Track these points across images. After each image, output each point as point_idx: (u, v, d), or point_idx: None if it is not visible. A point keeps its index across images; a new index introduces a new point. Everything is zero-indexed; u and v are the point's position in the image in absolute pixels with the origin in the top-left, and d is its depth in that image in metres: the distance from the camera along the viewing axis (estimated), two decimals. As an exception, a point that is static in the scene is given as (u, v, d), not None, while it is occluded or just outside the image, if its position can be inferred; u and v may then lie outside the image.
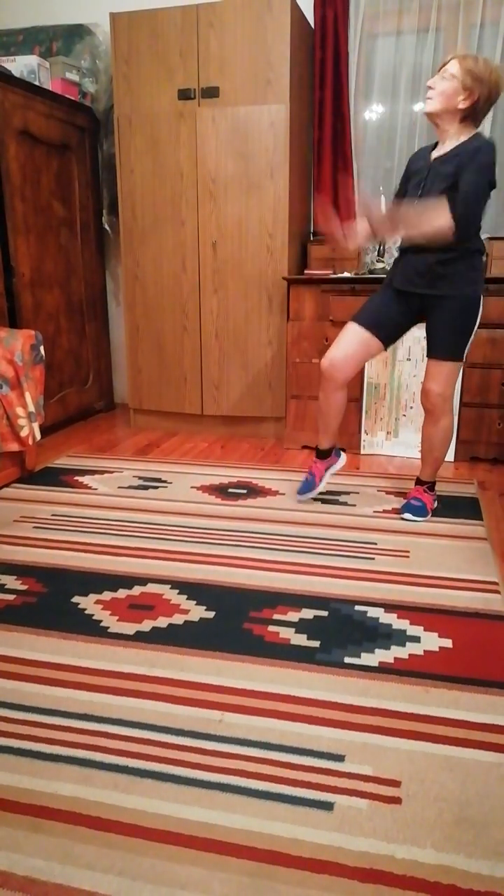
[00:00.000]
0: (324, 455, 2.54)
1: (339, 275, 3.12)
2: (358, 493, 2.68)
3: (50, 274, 3.43)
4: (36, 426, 2.74)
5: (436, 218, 2.03)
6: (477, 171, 2.01)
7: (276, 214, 3.17)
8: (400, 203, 2.20)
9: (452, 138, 2.11)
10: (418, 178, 2.19)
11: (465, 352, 2.25)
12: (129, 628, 1.72)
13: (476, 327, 2.24)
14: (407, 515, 2.42)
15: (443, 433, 2.34)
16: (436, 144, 2.20)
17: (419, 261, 2.18)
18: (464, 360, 2.28)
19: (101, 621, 1.75)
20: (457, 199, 2.03)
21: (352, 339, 2.30)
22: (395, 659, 1.59)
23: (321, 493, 2.64)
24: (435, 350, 2.25)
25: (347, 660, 1.59)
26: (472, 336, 2.25)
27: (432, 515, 2.44)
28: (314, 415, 3.23)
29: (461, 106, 2.03)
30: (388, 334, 2.32)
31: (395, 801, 1.18)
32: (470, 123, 2.09)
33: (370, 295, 2.39)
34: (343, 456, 2.63)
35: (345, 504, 2.56)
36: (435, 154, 2.16)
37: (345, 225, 2.22)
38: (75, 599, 1.87)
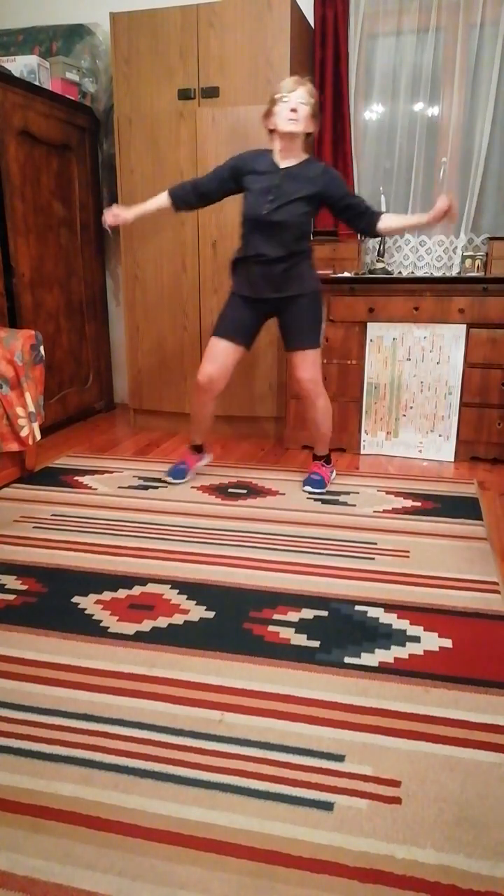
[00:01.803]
0: (198, 450, 2.85)
1: (339, 274, 3.11)
2: (358, 493, 2.68)
3: (50, 274, 3.43)
4: (36, 426, 2.74)
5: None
6: (343, 182, 2.42)
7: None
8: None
9: (294, 155, 2.38)
10: (266, 184, 2.36)
11: (321, 338, 2.57)
12: (129, 628, 1.72)
13: (324, 316, 2.59)
14: (307, 488, 2.68)
15: (323, 412, 2.63)
16: (263, 152, 2.43)
17: (266, 270, 2.43)
18: (321, 345, 2.57)
19: (101, 621, 1.75)
20: (360, 204, 2.40)
21: (221, 352, 2.53)
22: (395, 659, 1.59)
23: (321, 493, 2.65)
24: (299, 343, 2.52)
25: (347, 660, 1.59)
26: (324, 324, 2.59)
27: (432, 515, 2.44)
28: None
29: (311, 130, 2.37)
30: (247, 338, 2.57)
31: (395, 801, 1.18)
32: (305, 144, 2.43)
33: (226, 307, 2.57)
34: (210, 455, 2.94)
35: (345, 504, 2.56)
36: (283, 164, 2.38)
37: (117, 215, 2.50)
38: (75, 599, 1.87)
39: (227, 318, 2.54)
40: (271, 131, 2.37)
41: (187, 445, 2.88)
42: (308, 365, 2.52)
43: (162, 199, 2.52)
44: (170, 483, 2.75)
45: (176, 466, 2.79)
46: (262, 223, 2.37)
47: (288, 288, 2.44)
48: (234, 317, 2.52)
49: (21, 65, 3.24)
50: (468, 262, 3.19)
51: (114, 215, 2.50)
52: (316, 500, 2.60)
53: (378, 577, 1.99)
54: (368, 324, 3.08)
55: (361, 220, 2.40)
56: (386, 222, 2.38)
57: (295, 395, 3.23)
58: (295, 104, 2.26)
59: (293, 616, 1.78)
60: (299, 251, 2.42)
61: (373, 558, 2.11)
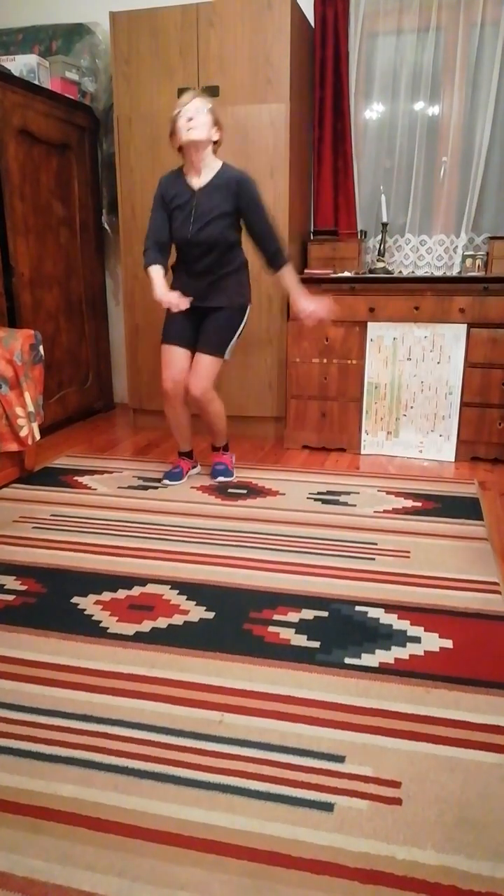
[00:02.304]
0: (188, 455, 2.89)
1: (340, 274, 3.11)
2: (358, 493, 2.67)
3: (49, 273, 3.43)
4: (35, 426, 2.73)
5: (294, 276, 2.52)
6: (263, 210, 2.45)
7: (275, 213, 3.15)
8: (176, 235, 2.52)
9: (207, 168, 2.44)
10: (186, 208, 2.45)
11: (229, 352, 2.62)
12: (129, 629, 1.72)
13: (240, 331, 2.63)
14: (220, 479, 2.79)
15: (216, 415, 2.72)
16: (178, 172, 2.49)
17: (195, 283, 2.54)
18: (224, 358, 2.62)
19: (100, 622, 1.75)
20: (265, 233, 2.45)
21: (178, 357, 2.60)
22: (396, 659, 1.59)
23: (321, 493, 2.65)
24: (202, 345, 2.58)
25: (348, 660, 1.58)
26: (236, 339, 2.63)
27: (433, 515, 2.44)
28: (314, 415, 3.22)
29: (215, 138, 2.42)
30: (193, 342, 2.62)
31: (396, 801, 1.18)
32: (215, 152, 2.47)
33: (169, 315, 2.60)
34: (198, 465, 2.95)
35: (345, 504, 2.55)
36: (195, 185, 2.45)
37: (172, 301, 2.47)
38: (75, 600, 1.87)
39: (171, 325, 2.61)
40: (179, 150, 2.42)
41: (176, 455, 2.90)
42: (199, 370, 2.56)
43: (160, 272, 2.51)
44: (168, 485, 2.76)
45: (171, 470, 2.82)
46: (189, 243, 2.48)
47: (212, 299, 2.54)
48: (178, 323, 2.59)
49: (21, 64, 3.24)
50: (469, 261, 3.19)
51: (177, 301, 2.46)
52: (316, 499, 2.60)
53: (378, 577, 1.99)
54: (369, 323, 3.07)
55: (266, 254, 2.49)
56: (285, 274, 2.51)
57: (296, 396, 3.23)
58: (191, 113, 2.32)
59: (293, 616, 1.78)
60: (227, 264, 2.51)
61: (373, 558, 2.11)
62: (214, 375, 2.61)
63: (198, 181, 2.45)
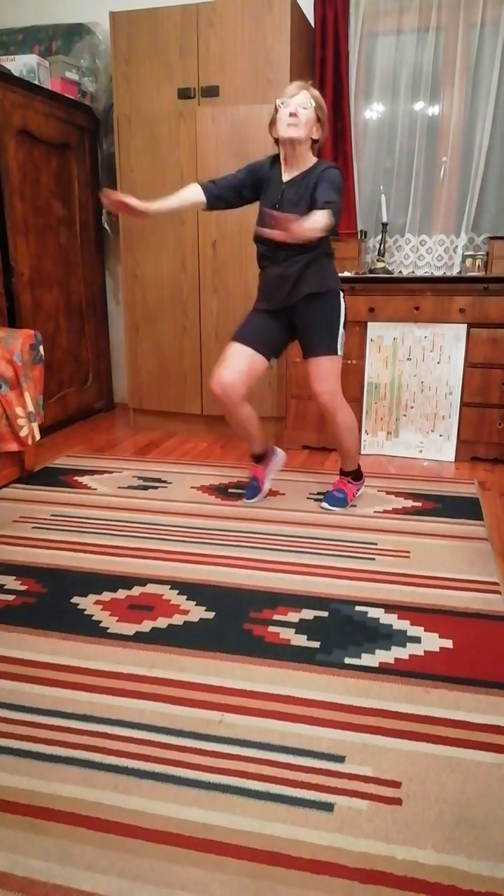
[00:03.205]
0: (259, 458, 2.62)
1: (340, 274, 3.10)
2: (360, 493, 2.67)
3: (49, 273, 3.43)
4: (35, 426, 2.73)
5: (320, 220, 2.04)
6: (331, 184, 2.16)
7: (276, 214, 3.16)
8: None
9: (300, 163, 2.25)
10: (271, 200, 2.26)
11: (340, 346, 2.34)
12: (129, 629, 1.72)
13: (343, 321, 2.34)
14: (324, 505, 2.51)
15: (344, 426, 2.43)
16: (275, 159, 2.30)
17: (279, 280, 2.29)
18: (340, 355, 2.35)
19: (100, 622, 1.75)
20: (321, 196, 2.13)
21: (238, 356, 2.33)
22: (396, 659, 1.59)
23: (321, 493, 2.64)
24: (309, 349, 2.34)
25: (348, 660, 1.58)
26: (342, 329, 2.34)
27: (433, 515, 2.44)
28: (314, 415, 3.22)
29: (315, 136, 2.23)
30: (271, 349, 2.39)
31: (396, 802, 1.18)
32: (314, 150, 2.27)
33: (248, 315, 2.41)
34: (280, 452, 2.68)
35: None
36: (285, 178, 2.26)
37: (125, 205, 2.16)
38: (75, 600, 1.87)
39: (249, 324, 2.39)
40: (276, 141, 2.26)
41: (249, 458, 2.66)
42: (320, 373, 2.33)
43: (190, 194, 2.27)
44: (248, 504, 2.54)
45: (248, 486, 2.60)
46: (267, 242, 2.24)
47: (301, 289, 2.28)
48: (257, 323, 2.37)
49: (21, 64, 3.24)
50: (468, 261, 3.19)
51: (124, 201, 2.14)
52: (316, 499, 2.59)
53: (378, 577, 1.99)
54: (369, 323, 3.07)
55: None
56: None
57: (296, 396, 3.22)
58: (295, 108, 2.15)
59: (293, 616, 1.78)
60: (311, 251, 2.24)
61: (373, 558, 2.11)
62: (339, 376, 2.35)
63: (287, 175, 2.26)
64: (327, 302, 2.31)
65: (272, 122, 2.23)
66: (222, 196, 2.31)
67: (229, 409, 2.39)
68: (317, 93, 2.22)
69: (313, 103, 2.19)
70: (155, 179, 3.30)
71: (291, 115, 2.16)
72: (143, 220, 2.26)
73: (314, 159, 2.27)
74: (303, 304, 2.31)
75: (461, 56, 3.17)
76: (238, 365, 2.32)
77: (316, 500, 2.59)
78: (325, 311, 2.32)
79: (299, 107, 2.16)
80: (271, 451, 2.65)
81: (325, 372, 2.33)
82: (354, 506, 2.54)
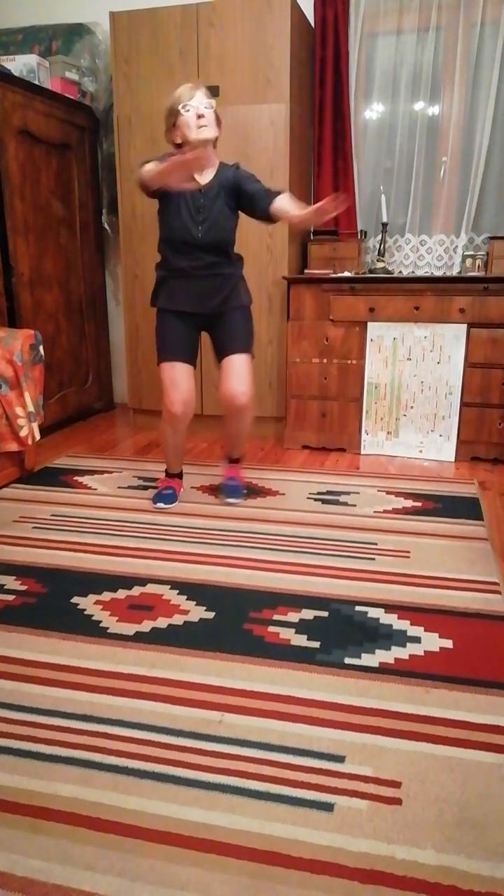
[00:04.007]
0: (179, 476, 2.68)
1: (340, 274, 3.11)
2: (358, 493, 2.67)
3: (49, 273, 3.43)
4: (35, 426, 2.73)
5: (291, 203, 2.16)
6: (255, 179, 2.25)
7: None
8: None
9: (211, 164, 2.28)
10: (191, 204, 2.25)
11: (252, 350, 2.45)
12: (129, 629, 1.72)
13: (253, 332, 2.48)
14: (230, 500, 2.56)
15: (250, 424, 2.54)
16: None
17: (200, 288, 2.34)
18: (254, 355, 2.45)
19: (100, 622, 1.75)
20: (261, 190, 2.22)
21: (183, 376, 2.39)
22: (396, 659, 1.59)
23: (321, 493, 2.64)
24: (236, 346, 2.38)
25: (348, 660, 1.58)
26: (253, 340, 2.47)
27: (433, 515, 2.44)
28: (314, 415, 3.22)
29: (217, 134, 2.23)
30: (195, 356, 2.46)
31: (396, 801, 1.18)
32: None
33: (168, 329, 2.41)
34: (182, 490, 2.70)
35: (345, 504, 2.55)
36: (203, 180, 2.27)
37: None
38: (75, 600, 1.87)
39: (171, 340, 2.39)
40: (178, 146, 2.22)
41: (164, 475, 2.68)
42: (245, 375, 2.36)
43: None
44: (162, 509, 2.51)
45: (162, 492, 2.58)
46: (195, 245, 2.28)
47: (226, 301, 2.36)
48: (178, 337, 2.40)
49: (21, 64, 3.24)
50: (468, 261, 3.19)
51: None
52: (316, 499, 2.59)
53: (378, 577, 1.99)
54: (369, 323, 3.07)
55: (261, 203, 2.20)
56: (279, 203, 2.17)
57: (296, 396, 3.22)
58: (201, 110, 2.14)
59: (293, 616, 1.78)
60: (232, 265, 2.37)
61: (373, 558, 2.11)
62: (252, 375, 2.42)
63: (201, 179, 2.27)
64: (247, 313, 2.45)
65: (170, 129, 2.22)
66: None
67: (181, 427, 2.46)
68: (207, 90, 2.21)
69: (213, 102, 2.18)
70: (155, 179, 3.29)
71: (199, 116, 2.14)
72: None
73: (216, 160, 2.30)
74: (230, 312, 2.39)
75: (461, 56, 3.17)
76: (188, 383, 2.39)
77: (316, 499, 2.60)
78: (248, 319, 2.45)
79: (203, 107, 2.15)
80: (179, 481, 2.69)
81: (244, 370, 2.37)
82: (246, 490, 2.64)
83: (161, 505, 2.53)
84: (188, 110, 2.14)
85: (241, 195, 2.26)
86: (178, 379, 2.37)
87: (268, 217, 2.22)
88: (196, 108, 2.14)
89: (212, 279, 2.34)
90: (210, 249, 2.30)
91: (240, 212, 2.33)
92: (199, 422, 3.58)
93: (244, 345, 2.41)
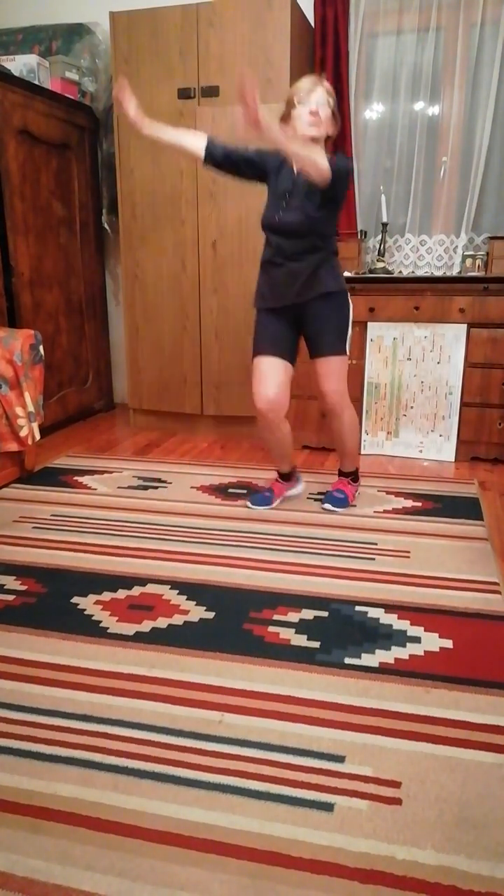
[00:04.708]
0: (286, 478, 2.60)
1: (339, 274, 3.11)
2: (358, 493, 2.67)
3: (49, 273, 3.43)
4: (35, 426, 2.73)
5: (318, 156, 1.99)
6: (338, 172, 2.06)
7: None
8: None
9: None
10: (282, 189, 2.20)
11: (348, 346, 2.34)
12: (129, 629, 1.72)
13: (350, 322, 2.34)
14: (326, 506, 2.49)
15: (349, 426, 2.42)
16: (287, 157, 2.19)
17: (283, 274, 2.24)
18: (347, 354, 2.34)
19: (100, 622, 1.75)
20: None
21: (273, 371, 2.31)
22: (396, 659, 1.59)
23: (321, 493, 2.64)
24: (321, 349, 2.30)
25: (348, 660, 1.58)
26: (350, 331, 2.34)
27: (433, 515, 2.44)
28: (314, 415, 3.22)
29: (331, 132, 2.18)
30: (292, 353, 2.37)
31: (396, 801, 1.18)
32: (327, 145, 2.21)
33: (260, 325, 2.36)
34: (303, 482, 2.68)
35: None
36: (297, 169, 2.16)
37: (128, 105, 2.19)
38: (75, 600, 1.87)
39: (264, 335, 2.34)
40: None
41: (276, 476, 2.61)
42: (331, 374, 2.30)
43: (192, 141, 2.24)
44: (254, 509, 2.49)
45: (260, 493, 2.56)
46: (276, 229, 2.22)
47: (313, 288, 2.24)
48: (271, 332, 2.33)
49: (21, 64, 3.24)
50: (468, 261, 3.19)
51: (128, 96, 2.17)
52: (316, 499, 2.59)
53: (378, 577, 1.99)
54: (369, 323, 3.07)
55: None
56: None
57: (296, 396, 3.22)
58: (315, 106, 2.09)
59: (293, 616, 1.78)
60: (319, 252, 2.21)
61: (373, 558, 2.11)
62: (346, 375, 2.34)
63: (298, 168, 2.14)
64: (340, 301, 2.28)
65: (285, 118, 2.17)
66: (222, 161, 2.24)
67: (273, 426, 2.37)
68: (330, 87, 2.16)
69: (332, 101, 2.13)
70: (155, 179, 3.30)
71: (312, 113, 2.09)
72: (136, 128, 2.20)
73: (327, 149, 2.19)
74: (315, 303, 2.26)
75: (461, 56, 3.17)
76: (277, 378, 2.30)
77: (316, 499, 2.59)
78: (338, 311, 2.29)
79: (319, 104, 2.10)
80: (295, 476, 2.64)
81: (335, 372, 2.31)
82: (354, 506, 2.53)
83: (250, 505, 2.51)
84: (304, 105, 2.10)
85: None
86: (265, 373, 2.31)
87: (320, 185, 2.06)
88: (312, 105, 2.10)
89: (297, 265, 2.22)
90: (293, 234, 2.19)
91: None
92: (199, 421, 3.58)
93: (332, 347, 2.29)
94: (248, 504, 2.53)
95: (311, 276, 2.22)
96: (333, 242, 2.29)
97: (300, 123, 2.12)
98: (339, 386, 2.33)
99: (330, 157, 2.06)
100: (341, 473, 2.58)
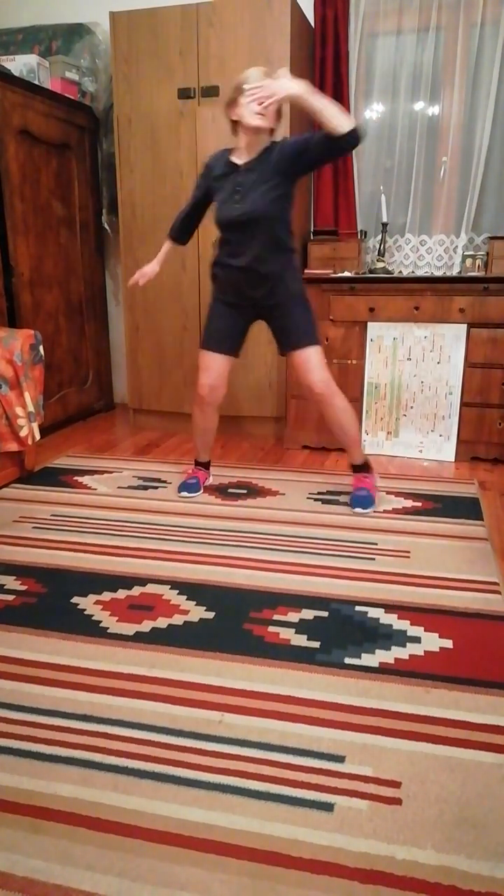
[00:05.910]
0: (206, 466, 2.76)
1: (340, 274, 3.11)
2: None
3: (49, 273, 3.43)
4: (35, 426, 2.73)
5: (343, 114, 2.04)
6: (302, 136, 2.18)
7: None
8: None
9: (258, 147, 2.24)
10: (229, 186, 2.27)
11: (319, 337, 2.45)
12: (129, 629, 1.72)
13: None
14: (357, 510, 2.49)
15: (343, 410, 2.45)
16: (230, 151, 2.32)
17: (248, 275, 2.32)
18: (321, 343, 2.44)
19: (100, 622, 1.75)
20: (302, 139, 2.17)
21: (217, 363, 2.48)
22: (396, 659, 1.59)
23: (321, 493, 2.64)
24: (297, 342, 2.38)
25: (348, 660, 1.58)
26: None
27: (433, 515, 2.44)
28: (314, 415, 3.22)
29: (275, 125, 2.24)
30: (238, 345, 2.51)
31: (396, 801, 1.18)
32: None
33: (213, 317, 2.48)
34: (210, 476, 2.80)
35: (345, 504, 2.55)
36: (240, 162, 2.26)
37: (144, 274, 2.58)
38: (75, 600, 1.87)
39: (212, 329, 2.47)
40: (234, 122, 2.23)
41: (193, 464, 2.76)
42: (317, 364, 2.38)
43: (168, 249, 2.61)
44: (186, 497, 2.61)
45: (186, 482, 2.66)
46: (234, 224, 2.26)
47: (280, 292, 2.33)
48: (220, 326, 2.46)
49: (21, 64, 3.24)
50: (469, 261, 3.19)
51: (141, 275, 2.57)
52: (316, 499, 2.59)
53: (378, 577, 1.99)
54: (369, 323, 3.07)
55: (324, 138, 2.07)
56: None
57: (296, 396, 3.22)
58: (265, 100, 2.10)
59: (293, 616, 1.78)
60: (280, 249, 2.29)
61: (373, 558, 2.11)
62: (325, 363, 2.41)
63: (241, 159, 2.25)
64: (304, 298, 2.40)
65: (232, 104, 2.21)
66: (186, 231, 2.57)
67: (209, 413, 2.58)
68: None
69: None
70: (155, 179, 3.30)
71: (260, 103, 2.12)
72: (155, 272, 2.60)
73: (269, 140, 2.26)
74: (283, 303, 2.36)
75: (461, 56, 3.17)
76: (220, 369, 2.49)
77: (316, 499, 2.59)
78: (302, 304, 2.39)
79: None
80: (209, 467, 2.79)
81: (316, 362, 2.39)
82: (383, 493, 2.61)
83: (185, 494, 2.62)
84: (251, 95, 2.12)
85: (294, 156, 2.16)
86: (209, 364, 2.49)
87: (331, 137, 2.04)
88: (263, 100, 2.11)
89: (261, 265, 2.32)
90: (252, 226, 2.26)
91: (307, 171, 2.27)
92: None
93: (308, 339, 2.39)
94: (179, 493, 2.63)
95: (280, 279, 2.33)
96: (292, 240, 2.36)
97: (247, 113, 2.17)
98: (322, 375, 2.39)
99: (281, 140, 2.23)
100: (354, 469, 2.60)
